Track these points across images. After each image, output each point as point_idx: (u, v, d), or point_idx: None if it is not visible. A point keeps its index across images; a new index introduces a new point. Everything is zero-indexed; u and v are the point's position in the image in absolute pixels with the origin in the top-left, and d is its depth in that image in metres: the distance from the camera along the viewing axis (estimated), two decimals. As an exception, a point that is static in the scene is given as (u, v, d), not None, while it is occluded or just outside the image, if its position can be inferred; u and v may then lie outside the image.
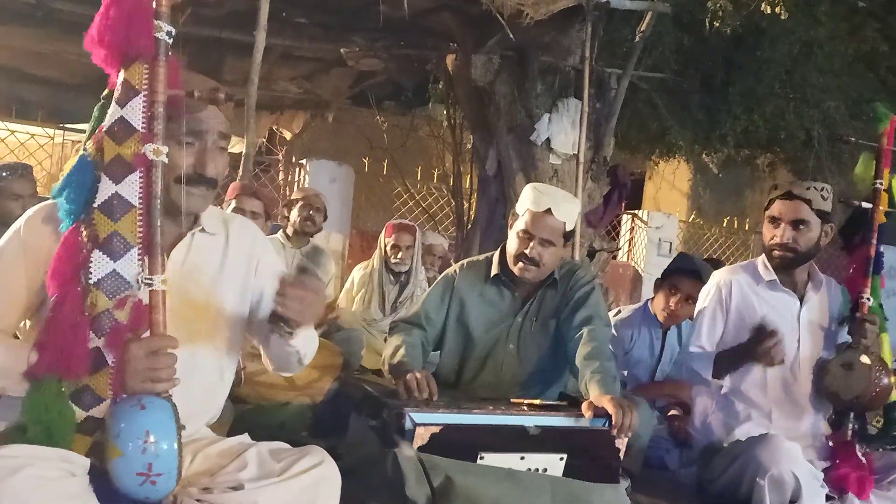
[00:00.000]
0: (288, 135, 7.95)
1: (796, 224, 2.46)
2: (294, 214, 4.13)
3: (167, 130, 1.43)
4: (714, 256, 8.86)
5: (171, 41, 1.39)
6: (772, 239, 2.50)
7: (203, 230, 1.62)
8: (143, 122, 1.38)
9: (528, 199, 2.49)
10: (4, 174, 3.28)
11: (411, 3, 4.09)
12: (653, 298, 3.44)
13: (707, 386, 2.54)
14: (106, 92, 1.45)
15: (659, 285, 3.39)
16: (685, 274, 3.27)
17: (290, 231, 4.15)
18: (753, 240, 8.96)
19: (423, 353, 2.51)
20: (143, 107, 1.38)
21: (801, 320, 2.53)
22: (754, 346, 2.33)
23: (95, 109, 1.47)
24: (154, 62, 1.38)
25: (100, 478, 1.32)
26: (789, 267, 2.52)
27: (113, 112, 1.39)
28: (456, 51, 5.16)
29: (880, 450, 2.86)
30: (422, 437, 1.97)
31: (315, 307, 1.55)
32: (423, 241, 4.80)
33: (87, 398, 1.35)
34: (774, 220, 2.50)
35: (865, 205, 2.51)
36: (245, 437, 1.63)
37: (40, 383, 1.33)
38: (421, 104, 6.98)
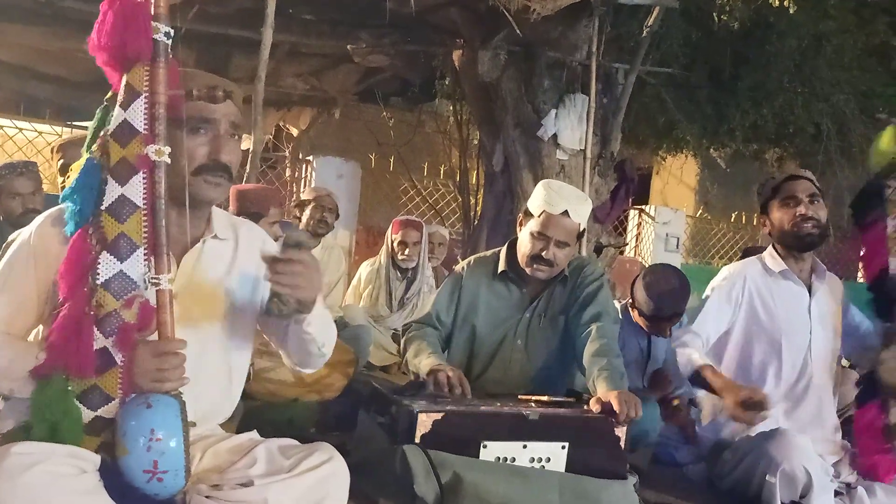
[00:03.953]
0: (295, 131, 7.96)
1: (813, 198, 2.47)
2: (306, 215, 4.11)
3: (179, 123, 1.43)
4: (722, 252, 8.83)
5: (170, 42, 1.38)
6: (796, 217, 2.46)
7: (215, 237, 1.63)
8: (145, 124, 1.38)
9: (542, 199, 2.47)
10: (4, 173, 3.27)
11: (418, -1, 4.08)
12: (631, 303, 3.24)
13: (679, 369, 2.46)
14: (109, 95, 1.46)
15: (634, 307, 3.20)
16: (666, 319, 3.11)
17: None
18: (762, 234, 8.90)
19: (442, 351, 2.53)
20: (145, 108, 1.38)
21: (812, 312, 2.52)
22: (742, 404, 2.24)
23: (98, 112, 1.47)
24: (154, 64, 1.38)
25: (110, 474, 1.33)
26: (814, 245, 2.51)
27: (117, 115, 1.39)
28: (463, 47, 5.15)
29: None
30: (424, 424, 1.99)
31: (310, 279, 1.48)
32: None
33: (95, 398, 1.36)
34: (791, 199, 2.49)
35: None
36: (254, 434, 1.64)
37: (46, 382, 1.34)
38: (427, 100, 6.97)
